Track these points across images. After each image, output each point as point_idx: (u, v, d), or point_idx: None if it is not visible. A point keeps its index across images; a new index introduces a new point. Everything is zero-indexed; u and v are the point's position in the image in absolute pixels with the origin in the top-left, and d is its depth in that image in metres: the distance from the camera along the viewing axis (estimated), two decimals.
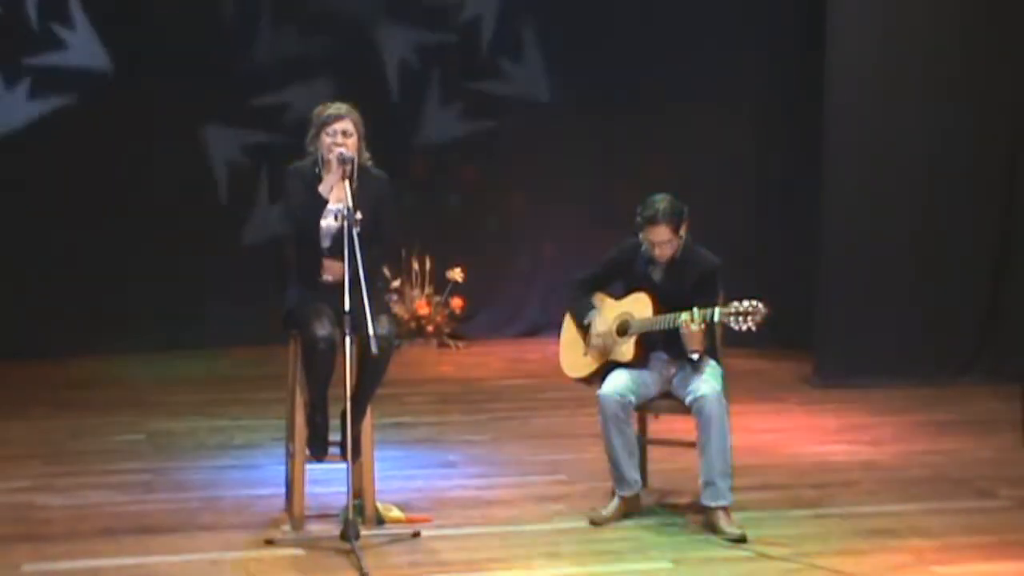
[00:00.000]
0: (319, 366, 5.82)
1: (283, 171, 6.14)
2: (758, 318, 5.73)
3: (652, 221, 5.98)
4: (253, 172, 10.98)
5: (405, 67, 11.28)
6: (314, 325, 5.78)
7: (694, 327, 5.82)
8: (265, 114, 10.89)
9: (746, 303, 5.75)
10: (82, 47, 10.71)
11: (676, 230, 5.99)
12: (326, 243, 5.91)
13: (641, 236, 6.06)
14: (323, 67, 10.87)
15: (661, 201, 5.99)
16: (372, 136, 6.12)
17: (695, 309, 5.81)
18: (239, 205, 11.01)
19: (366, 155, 6.06)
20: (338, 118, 5.96)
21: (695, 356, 5.93)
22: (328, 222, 5.91)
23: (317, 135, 6.00)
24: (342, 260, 5.67)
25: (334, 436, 5.97)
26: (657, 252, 6.03)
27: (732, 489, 5.93)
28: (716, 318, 5.80)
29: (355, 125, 5.98)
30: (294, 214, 6.00)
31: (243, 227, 10.94)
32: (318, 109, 6.05)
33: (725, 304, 5.82)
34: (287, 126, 10.33)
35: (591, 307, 6.22)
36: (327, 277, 5.93)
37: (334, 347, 5.77)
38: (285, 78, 10.95)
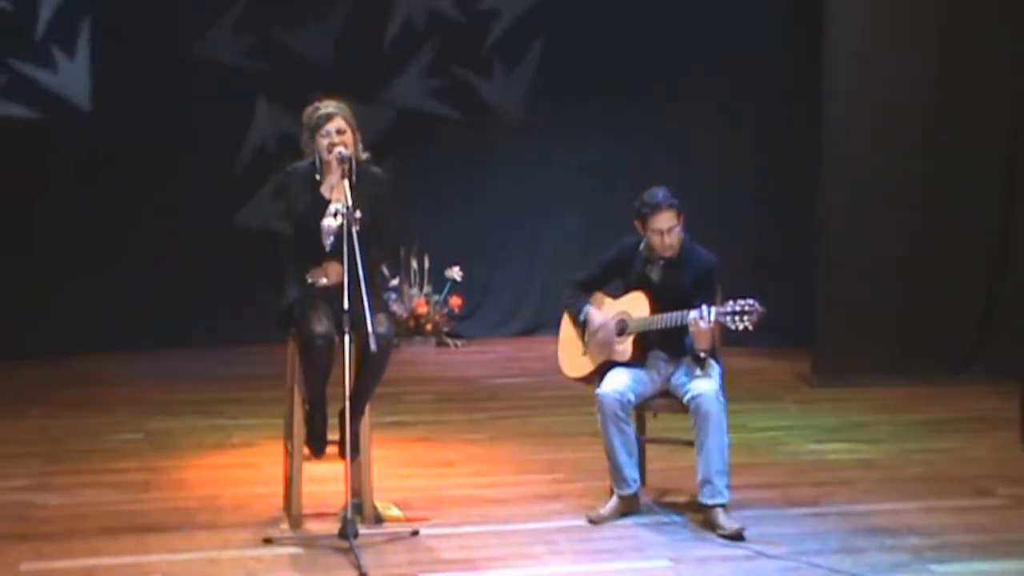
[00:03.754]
0: (317, 363, 5.82)
1: (282, 171, 6.14)
2: (754, 317, 5.74)
3: (657, 208, 5.99)
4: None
5: None
6: (312, 322, 5.78)
7: (703, 325, 5.82)
8: None
9: (742, 302, 5.76)
10: (71, 77, 10.67)
11: (679, 215, 6.01)
12: (329, 241, 5.90)
13: (644, 229, 6.05)
14: None
15: (659, 189, 6.04)
16: None
17: (703, 306, 5.81)
18: (238, 201, 11.02)
19: (361, 148, 6.05)
20: (330, 118, 5.95)
21: (702, 354, 5.93)
22: (328, 221, 5.90)
23: (312, 137, 5.98)
24: (341, 261, 5.67)
25: (332, 435, 5.98)
26: (665, 241, 6.01)
27: (730, 487, 5.94)
28: (712, 317, 5.81)
29: (347, 122, 5.97)
30: (295, 214, 5.99)
31: (240, 219, 10.93)
32: (308, 111, 6.02)
33: (722, 303, 5.83)
34: None
35: (585, 304, 6.23)
36: (323, 280, 5.92)
37: (332, 344, 5.76)
38: None
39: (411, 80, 11.29)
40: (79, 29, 10.66)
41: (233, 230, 10.86)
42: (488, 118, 11.38)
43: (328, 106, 5.99)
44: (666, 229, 6.00)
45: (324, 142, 5.93)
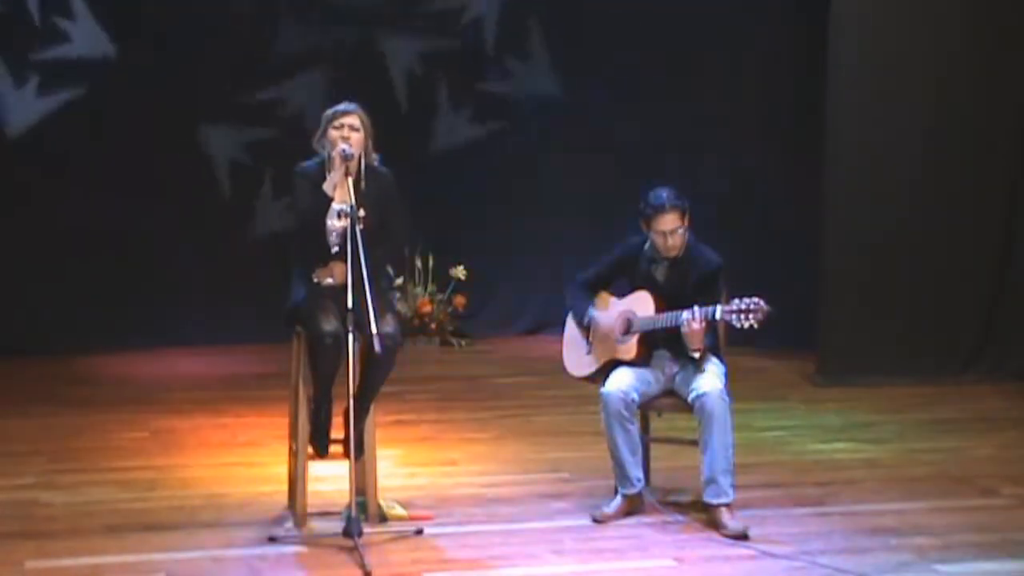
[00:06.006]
0: (325, 361, 5.82)
1: (290, 171, 6.15)
2: (759, 316, 5.74)
3: (660, 209, 5.98)
4: (255, 169, 10.99)
5: (412, 75, 11.28)
6: (320, 320, 5.78)
7: (695, 325, 5.83)
8: (265, 110, 10.94)
9: (748, 300, 5.76)
10: (85, 36, 10.71)
11: (683, 216, 6.00)
12: (334, 242, 5.89)
13: (648, 230, 6.05)
14: (323, 63, 10.96)
15: (664, 190, 6.03)
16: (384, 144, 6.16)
17: (695, 307, 5.82)
18: (243, 201, 11.01)
19: (373, 155, 6.07)
20: (345, 113, 5.99)
21: (696, 355, 5.94)
22: (333, 221, 5.90)
23: (324, 132, 6.01)
24: (346, 261, 5.68)
25: (337, 434, 5.98)
26: (669, 242, 6.01)
27: (734, 487, 5.94)
28: (717, 316, 5.81)
29: (362, 121, 5.99)
30: (298, 211, 5.99)
31: (248, 223, 10.93)
32: (328, 109, 6.06)
33: (727, 302, 5.83)
34: (286, 121, 10.61)
35: (591, 307, 6.22)
36: (328, 280, 5.92)
37: (340, 342, 5.75)
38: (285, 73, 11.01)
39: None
40: None
41: (238, 227, 10.86)
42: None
43: (348, 104, 6.03)
44: (669, 231, 6.00)
45: (335, 134, 5.96)
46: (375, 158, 6.09)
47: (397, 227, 6.11)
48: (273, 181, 10.78)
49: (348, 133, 5.94)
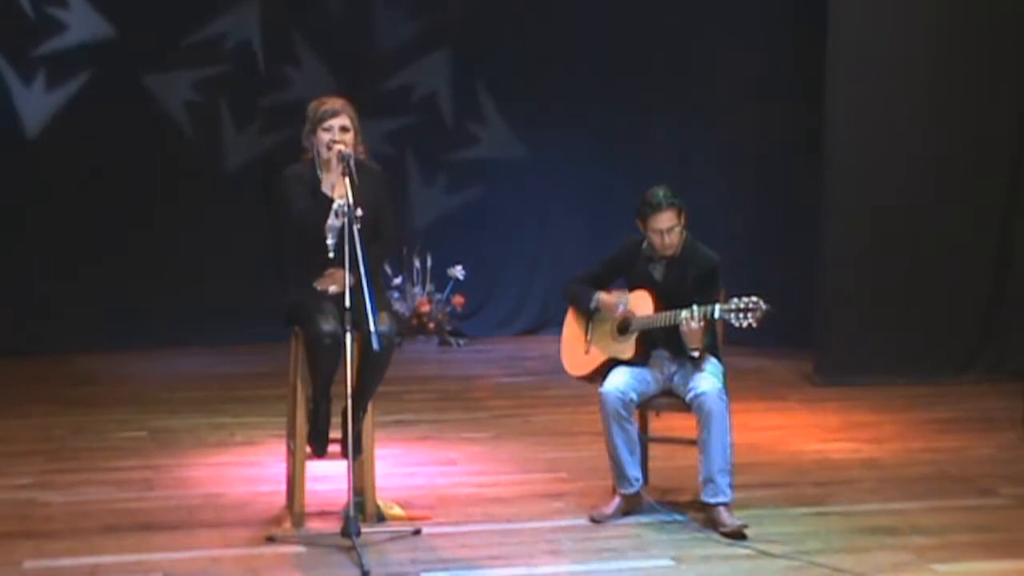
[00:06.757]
0: (324, 361, 5.80)
1: (279, 175, 6.11)
2: (759, 314, 5.73)
3: (657, 208, 5.98)
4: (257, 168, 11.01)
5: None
6: (318, 320, 5.76)
7: (694, 324, 5.83)
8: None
9: (746, 299, 5.75)
10: (81, 22, 10.68)
11: (679, 215, 6.00)
12: (331, 240, 5.86)
13: (646, 229, 6.04)
14: None
15: (660, 188, 6.02)
16: None
17: (695, 306, 5.82)
18: (243, 200, 11.01)
19: (361, 149, 6.04)
20: (335, 114, 5.93)
21: (695, 354, 5.94)
22: (330, 221, 5.87)
23: (313, 131, 5.96)
24: (343, 266, 5.66)
25: (335, 433, 5.97)
26: (665, 241, 6.01)
27: (732, 486, 5.94)
28: (716, 315, 5.81)
29: (352, 121, 5.96)
30: (297, 215, 5.96)
31: (247, 223, 10.92)
32: (313, 105, 6.00)
33: (726, 301, 5.83)
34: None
35: (594, 293, 6.20)
36: (332, 288, 5.88)
37: (339, 342, 5.73)
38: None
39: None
40: None
41: (236, 228, 10.85)
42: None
43: (335, 102, 5.99)
44: (666, 229, 6.00)
45: (326, 137, 5.91)
46: (362, 152, 6.04)
47: (388, 225, 6.08)
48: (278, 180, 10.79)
49: (339, 136, 5.90)
